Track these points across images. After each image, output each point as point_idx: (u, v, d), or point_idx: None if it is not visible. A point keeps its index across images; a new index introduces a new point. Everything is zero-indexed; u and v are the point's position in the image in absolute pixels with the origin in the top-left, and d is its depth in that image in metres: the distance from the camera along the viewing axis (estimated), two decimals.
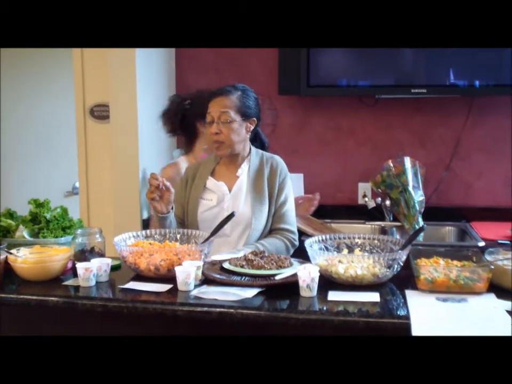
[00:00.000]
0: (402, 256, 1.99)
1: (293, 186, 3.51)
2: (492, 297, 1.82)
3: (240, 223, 2.48)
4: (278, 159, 2.66)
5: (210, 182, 2.61)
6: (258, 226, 2.51)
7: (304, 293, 1.86)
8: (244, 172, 2.60)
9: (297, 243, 2.58)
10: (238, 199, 2.55)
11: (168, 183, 2.40)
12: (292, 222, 2.60)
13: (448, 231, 3.38)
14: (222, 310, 1.78)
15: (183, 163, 3.06)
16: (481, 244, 2.90)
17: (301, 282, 1.86)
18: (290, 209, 2.61)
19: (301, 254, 2.18)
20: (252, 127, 2.60)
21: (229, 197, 2.56)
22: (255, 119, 2.60)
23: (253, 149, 2.65)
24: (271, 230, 2.58)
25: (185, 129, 3.15)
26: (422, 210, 3.29)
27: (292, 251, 2.56)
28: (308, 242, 2.11)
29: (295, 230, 2.62)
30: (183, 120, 3.12)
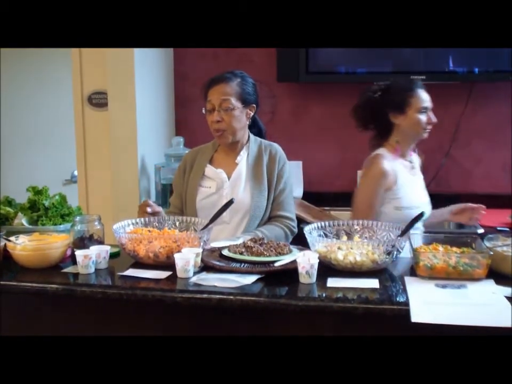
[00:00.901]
0: (402, 242, 1.99)
1: (291, 173, 3.53)
2: (491, 283, 1.82)
3: (239, 210, 2.48)
4: (277, 146, 2.66)
5: (209, 170, 2.60)
6: (257, 213, 2.51)
7: (303, 279, 1.85)
8: (243, 159, 2.59)
9: (296, 230, 2.59)
10: (237, 186, 2.55)
11: (158, 208, 2.41)
12: (290, 209, 2.61)
13: None
14: (222, 296, 1.78)
15: (387, 154, 2.75)
16: (480, 230, 2.91)
17: (300, 269, 1.86)
18: (289, 196, 2.62)
19: (300, 241, 2.18)
20: (252, 114, 2.60)
21: (228, 184, 2.56)
22: (254, 105, 2.59)
23: (252, 136, 2.65)
24: (270, 217, 2.58)
25: (378, 122, 2.85)
26: None
27: (290, 238, 2.57)
28: (307, 229, 2.11)
29: (294, 217, 2.62)
30: (375, 112, 2.84)
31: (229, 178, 2.57)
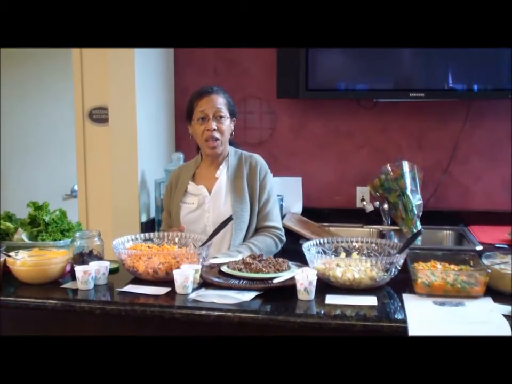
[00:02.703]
0: (400, 260, 1.99)
1: (291, 189, 3.55)
2: (489, 301, 1.82)
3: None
4: (257, 157, 2.70)
5: (191, 186, 2.65)
6: (241, 226, 2.55)
7: (301, 296, 1.86)
8: (223, 173, 2.64)
9: (284, 238, 2.65)
10: (218, 201, 2.59)
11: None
12: (277, 219, 2.66)
13: (446, 235, 3.39)
14: (220, 313, 1.78)
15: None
16: (479, 247, 2.91)
17: (298, 286, 1.86)
18: (273, 207, 2.66)
19: (299, 258, 2.19)
20: (233, 127, 2.67)
21: (209, 198, 2.59)
22: (235, 119, 2.69)
23: (231, 148, 2.69)
24: (258, 228, 2.62)
25: None
26: (420, 214, 3.29)
27: (280, 247, 2.63)
28: (305, 246, 2.12)
29: (281, 226, 2.68)
30: None
31: (210, 193, 2.60)
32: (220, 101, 2.59)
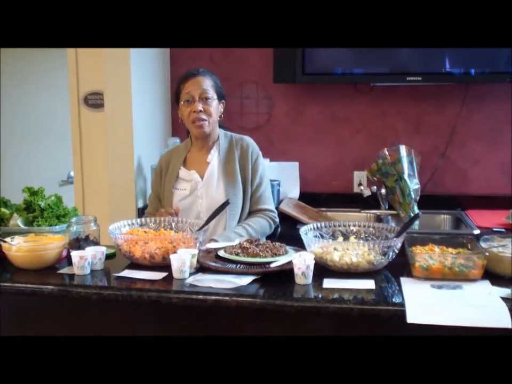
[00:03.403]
0: (397, 243, 1.99)
1: (288, 174, 3.55)
2: (486, 284, 1.82)
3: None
4: (248, 139, 2.69)
5: (183, 172, 2.64)
6: (234, 210, 2.55)
7: (299, 280, 1.85)
8: (214, 157, 2.63)
9: (277, 220, 2.68)
10: (211, 186, 2.58)
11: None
12: (270, 202, 2.68)
13: (443, 219, 3.39)
14: (217, 297, 1.78)
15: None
16: (476, 231, 2.91)
17: (296, 270, 1.86)
18: (266, 189, 2.67)
19: (296, 243, 2.18)
20: (222, 110, 2.66)
21: (201, 184, 2.59)
22: (224, 101, 2.67)
23: (221, 132, 2.69)
24: (251, 211, 2.63)
25: None
26: (418, 198, 3.29)
27: (273, 228, 2.65)
28: (303, 230, 2.11)
29: (274, 208, 2.69)
30: None
31: (202, 178, 2.60)
32: (206, 83, 2.57)
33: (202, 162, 2.63)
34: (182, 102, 2.58)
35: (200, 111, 2.53)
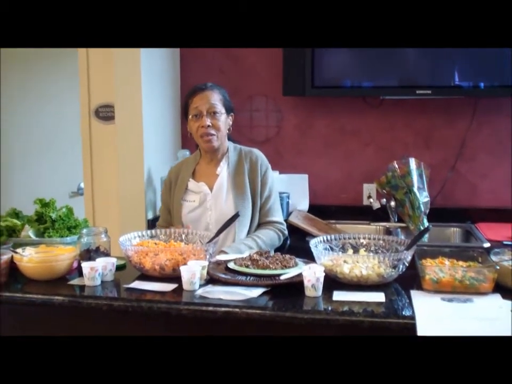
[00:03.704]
0: (408, 256, 1.98)
1: (297, 186, 3.55)
2: (497, 297, 1.81)
3: (224, 222, 2.50)
4: (257, 152, 2.70)
5: (192, 184, 2.65)
6: (243, 222, 2.55)
7: (309, 292, 1.85)
8: (223, 170, 2.63)
9: (286, 232, 2.69)
10: (220, 198, 2.59)
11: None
12: (279, 214, 2.68)
13: (453, 232, 3.38)
14: (227, 309, 1.78)
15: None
16: (486, 245, 2.90)
17: (306, 282, 1.86)
18: (275, 202, 2.67)
19: (305, 255, 2.18)
20: (231, 123, 2.67)
21: (211, 196, 2.59)
22: (233, 114, 2.68)
23: (231, 144, 2.70)
24: (260, 223, 2.63)
25: None
26: (427, 211, 3.28)
27: (282, 240, 2.66)
28: (313, 242, 2.11)
29: (283, 220, 2.70)
30: None
31: (211, 190, 2.60)
32: (215, 97, 2.58)
33: (212, 174, 2.64)
34: (190, 117, 2.60)
35: (208, 126, 2.55)
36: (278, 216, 2.66)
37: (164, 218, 2.71)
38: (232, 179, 2.60)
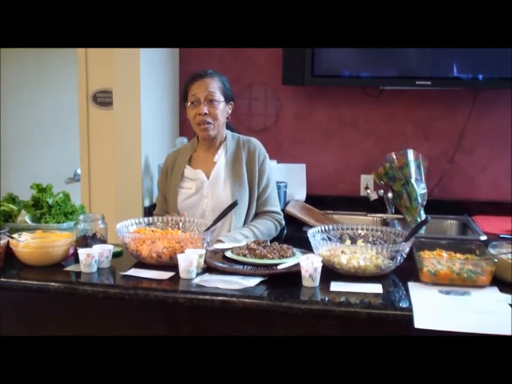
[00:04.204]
0: (406, 248, 1.98)
1: (295, 176, 3.54)
2: (495, 290, 1.81)
3: (221, 209, 2.49)
4: (255, 141, 2.68)
5: (188, 171, 2.63)
6: (240, 210, 2.55)
7: (306, 283, 1.85)
8: (221, 157, 2.63)
9: (283, 222, 2.69)
10: (217, 186, 2.58)
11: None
12: (276, 203, 2.68)
13: (450, 225, 3.38)
14: (224, 298, 1.77)
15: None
16: (483, 237, 2.90)
17: (303, 272, 1.85)
18: (272, 191, 2.67)
19: (302, 245, 2.18)
20: (230, 112, 2.65)
21: (207, 183, 2.58)
22: (232, 102, 2.66)
23: (229, 133, 2.69)
24: (257, 213, 2.63)
25: None
26: (424, 203, 3.28)
27: (279, 230, 2.67)
28: (310, 232, 2.10)
29: (280, 210, 2.70)
30: None
31: (208, 177, 2.60)
32: (213, 85, 2.56)
33: (209, 162, 2.63)
34: (188, 104, 2.58)
35: (205, 113, 2.52)
36: (275, 206, 2.66)
37: (161, 207, 2.70)
38: (229, 167, 2.59)
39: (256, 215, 2.63)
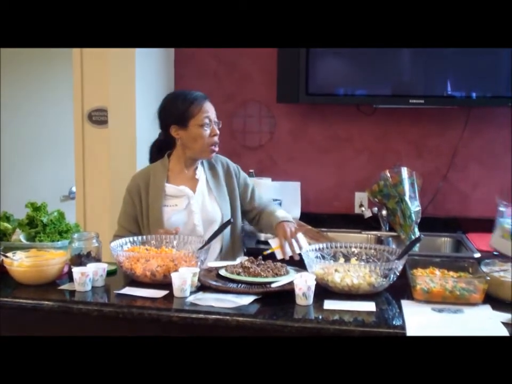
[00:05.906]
0: (399, 266, 1.99)
1: (289, 194, 3.56)
2: (487, 308, 1.82)
3: (213, 222, 2.50)
4: (224, 158, 2.75)
5: (170, 188, 2.58)
6: (236, 221, 2.61)
7: (300, 301, 1.86)
8: (201, 174, 2.65)
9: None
10: (205, 200, 2.59)
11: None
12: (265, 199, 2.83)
13: (444, 242, 3.38)
14: (218, 317, 1.78)
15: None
16: (477, 255, 2.91)
17: (297, 291, 1.86)
18: (258, 193, 2.76)
19: (298, 263, 2.18)
20: None
21: (194, 198, 2.57)
22: None
23: None
24: (261, 211, 2.68)
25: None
26: (419, 220, 3.29)
27: None
28: (304, 251, 2.11)
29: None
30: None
31: (194, 192, 2.59)
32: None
33: (190, 178, 2.62)
34: (195, 125, 2.53)
35: (216, 134, 2.57)
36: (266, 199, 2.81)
37: (125, 227, 2.59)
38: (211, 181, 2.62)
39: (260, 216, 2.67)
